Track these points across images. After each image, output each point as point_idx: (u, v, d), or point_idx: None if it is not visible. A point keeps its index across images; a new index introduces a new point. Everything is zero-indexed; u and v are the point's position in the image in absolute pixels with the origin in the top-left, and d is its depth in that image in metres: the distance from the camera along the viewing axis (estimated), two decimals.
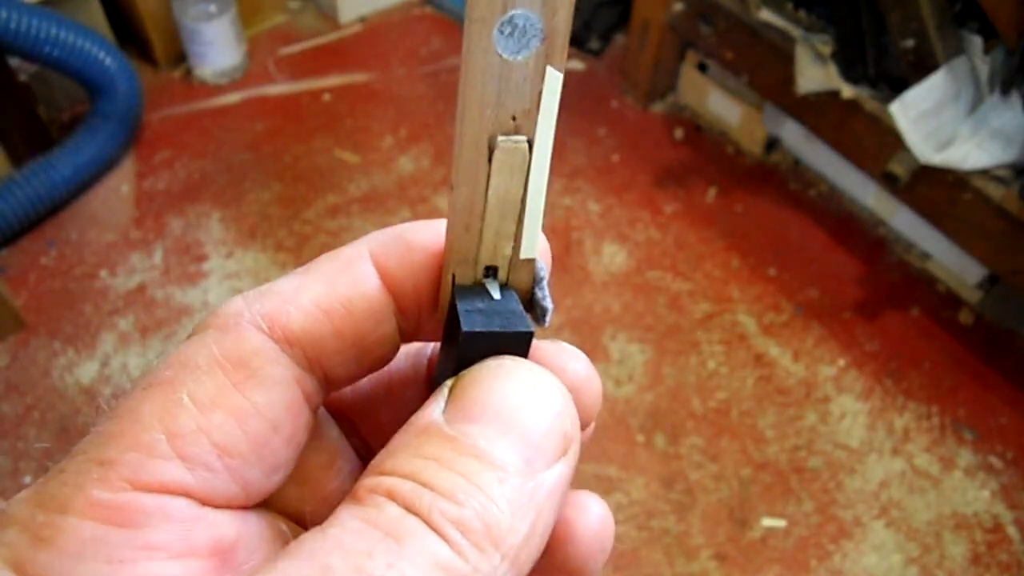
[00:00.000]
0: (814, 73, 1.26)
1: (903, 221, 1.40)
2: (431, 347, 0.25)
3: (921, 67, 1.15)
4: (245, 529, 0.19)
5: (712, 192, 1.48)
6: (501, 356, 0.20)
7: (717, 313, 1.31)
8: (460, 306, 0.21)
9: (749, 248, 1.40)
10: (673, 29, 1.49)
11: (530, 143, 0.20)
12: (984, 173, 1.13)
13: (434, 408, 0.19)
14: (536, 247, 0.21)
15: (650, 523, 1.09)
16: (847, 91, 1.23)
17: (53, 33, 1.28)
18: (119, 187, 1.44)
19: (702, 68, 1.55)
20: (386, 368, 0.23)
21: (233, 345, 0.19)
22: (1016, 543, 1.10)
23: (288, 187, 1.45)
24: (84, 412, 1.16)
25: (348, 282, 0.21)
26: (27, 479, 1.09)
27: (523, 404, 0.19)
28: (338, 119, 1.56)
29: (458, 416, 0.19)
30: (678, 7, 1.45)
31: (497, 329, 0.20)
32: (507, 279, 0.22)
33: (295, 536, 0.21)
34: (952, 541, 1.10)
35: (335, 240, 1.37)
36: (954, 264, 1.34)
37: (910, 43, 1.15)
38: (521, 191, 0.20)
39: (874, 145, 1.22)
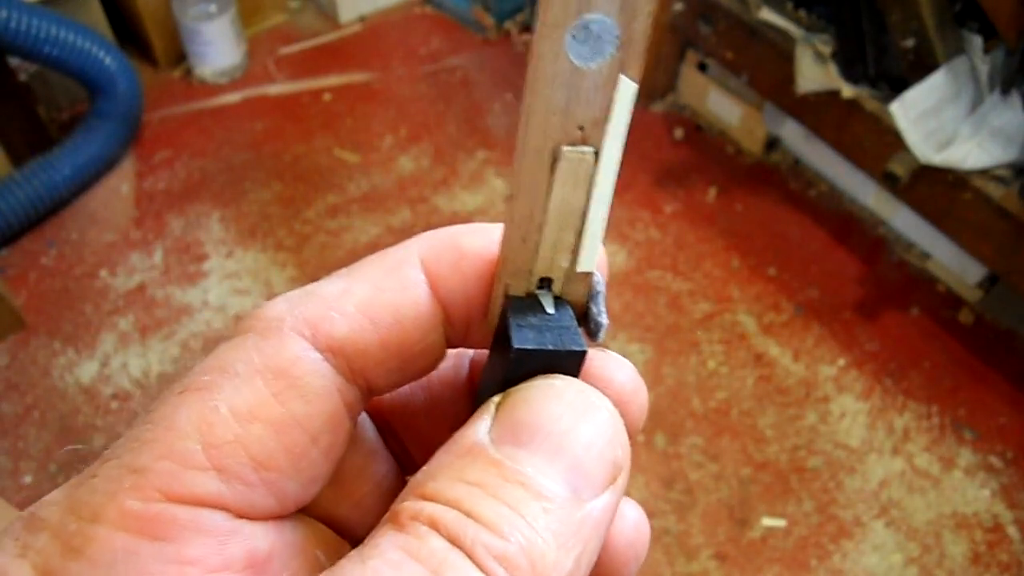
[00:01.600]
0: (814, 73, 1.26)
1: (903, 221, 1.40)
2: (474, 350, 0.24)
3: (921, 67, 1.15)
4: (279, 540, 0.19)
5: (712, 192, 1.48)
6: (552, 375, 0.19)
7: (717, 313, 1.31)
8: (512, 320, 0.20)
9: (749, 248, 1.40)
10: (673, 29, 1.49)
11: (596, 154, 0.19)
12: (984, 173, 1.13)
13: (480, 426, 0.18)
14: (595, 260, 0.21)
15: (650, 523, 1.09)
16: (847, 91, 1.23)
17: (53, 33, 1.28)
18: (119, 187, 1.44)
19: (702, 68, 1.55)
20: (429, 385, 0.23)
21: (274, 352, 0.18)
22: (1016, 543, 1.10)
23: (288, 187, 1.45)
24: (84, 412, 1.16)
25: (396, 288, 0.20)
26: (27, 479, 1.09)
27: (573, 429, 0.18)
28: (338, 119, 1.56)
29: (505, 438, 0.18)
30: (678, 7, 1.45)
31: (549, 347, 0.19)
32: (562, 291, 0.21)
33: (328, 542, 0.20)
34: (952, 541, 1.10)
35: (335, 240, 1.37)
36: (954, 264, 1.34)
37: (910, 43, 1.15)
38: (583, 202, 0.19)
39: (874, 145, 1.22)
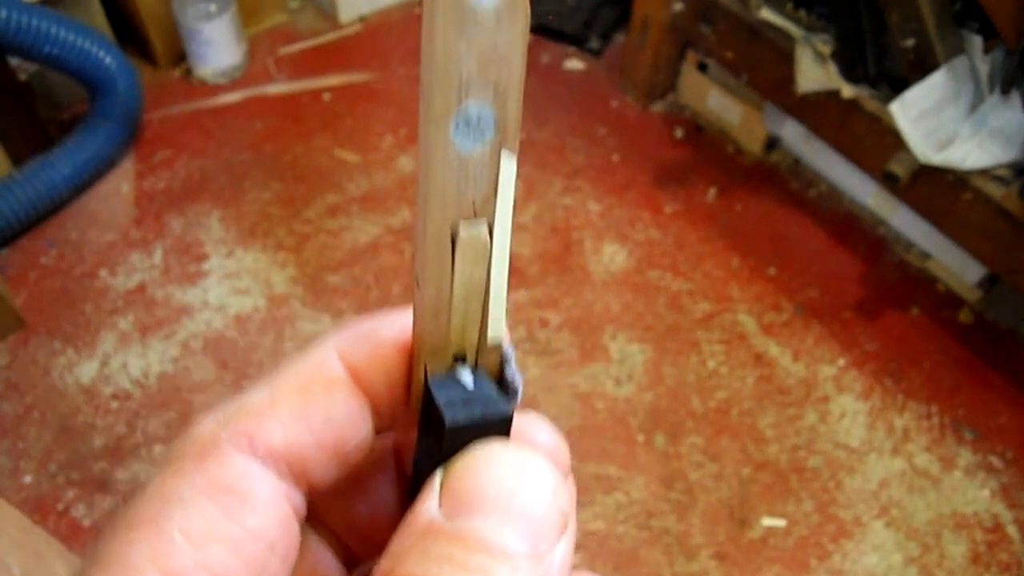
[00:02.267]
0: (814, 73, 1.26)
1: (903, 221, 1.40)
2: (392, 439, 0.25)
3: (921, 67, 1.15)
4: None
5: (712, 192, 1.48)
6: (486, 441, 0.20)
7: (717, 313, 1.31)
8: (438, 399, 0.20)
9: (749, 248, 1.40)
10: (673, 29, 1.49)
11: (490, 228, 0.20)
12: (984, 173, 1.13)
13: (429, 504, 0.19)
14: (503, 329, 0.21)
15: (650, 523, 1.09)
16: (847, 91, 1.23)
17: (53, 32, 1.28)
18: (119, 186, 1.44)
19: (702, 68, 1.55)
20: (357, 472, 0.23)
21: (216, 471, 0.18)
22: (1016, 543, 1.10)
23: (288, 186, 1.45)
24: (84, 412, 1.16)
25: (322, 390, 0.20)
26: (27, 479, 1.09)
27: (519, 487, 0.18)
28: (338, 118, 1.56)
29: (457, 510, 0.18)
30: (678, 7, 1.45)
31: (479, 417, 0.20)
32: (476, 363, 0.22)
33: None
34: (952, 541, 1.10)
35: (335, 239, 1.37)
36: (954, 264, 1.34)
37: (910, 43, 1.15)
38: (484, 276, 0.20)
39: (874, 145, 1.22)
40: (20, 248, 1.33)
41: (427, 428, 0.21)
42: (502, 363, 0.22)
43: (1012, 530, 1.11)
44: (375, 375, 0.21)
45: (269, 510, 0.19)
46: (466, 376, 0.22)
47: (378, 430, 0.22)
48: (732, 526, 1.10)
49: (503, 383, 0.22)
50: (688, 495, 1.12)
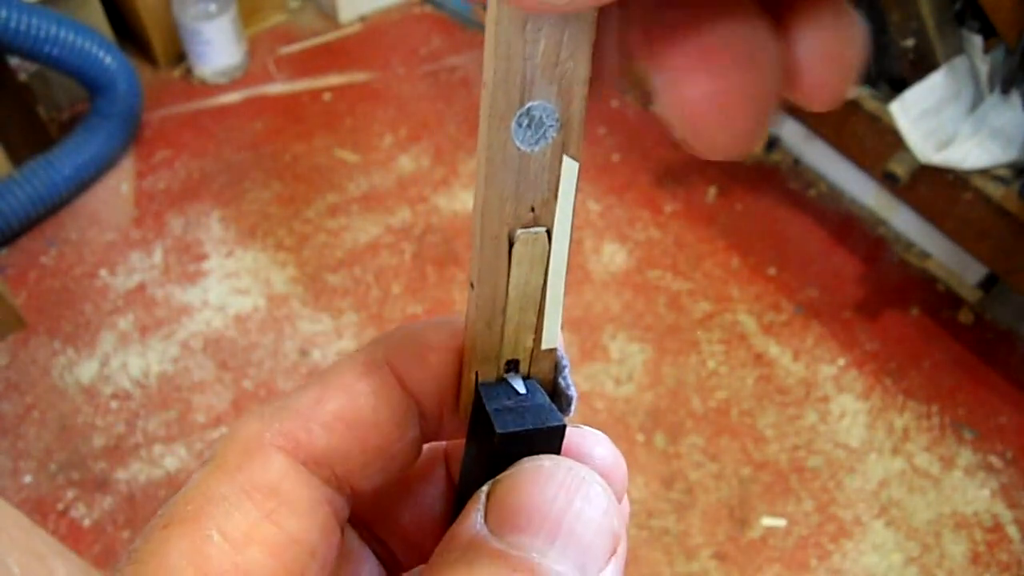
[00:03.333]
0: None
1: (903, 221, 1.40)
2: (446, 446, 0.24)
3: (921, 66, 1.14)
4: None
5: (712, 191, 1.48)
6: (537, 456, 0.19)
7: (717, 312, 1.31)
8: (489, 406, 0.20)
9: (749, 248, 1.40)
10: None
11: (549, 233, 0.19)
12: (984, 172, 1.13)
13: (475, 517, 0.18)
14: (557, 336, 0.21)
15: (650, 522, 1.09)
16: None
17: (53, 32, 1.28)
18: (119, 186, 1.44)
19: None
20: (406, 480, 0.23)
21: (259, 472, 0.18)
22: (1016, 543, 1.10)
23: (288, 186, 1.45)
24: (84, 411, 1.16)
25: (368, 391, 0.20)
26: (27, 479, 1.09)
27: (569, 507, 0.18)
28: (338, 118, 1.56)
29: (503, 526, 0.18)
30: None
31: (530, 427, 0.20)
32: (529, 371, 0.21)
33: None
34: (952, 540, 1.10)
35: (335, 239, 1.37)
36: (954, 264, 1.34)
37: (910, 42, 1.15)
38: (541, 281, 0.20)
39: (874, 144, 1.22)
40: (20, 248, 1.33)
41: (476, 436, 0.21)
42: (555, 372, 0.22)
43: (1012, 530, 1.11)
44: (422, 380, 0.21)
45: (310, 514, 0.19)
46: (518, 383, 0.21)
47: (426, 437, 0.22)
48: (732, 526, 1.10)
49: (556, 392, 0.22)
50: (688, 495, 1.12)
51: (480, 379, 0.21)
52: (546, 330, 0.21)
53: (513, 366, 0.21)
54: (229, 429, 0.19)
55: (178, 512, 0.17)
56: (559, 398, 0.22)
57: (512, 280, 0.20)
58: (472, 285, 0.20)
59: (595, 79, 0.18)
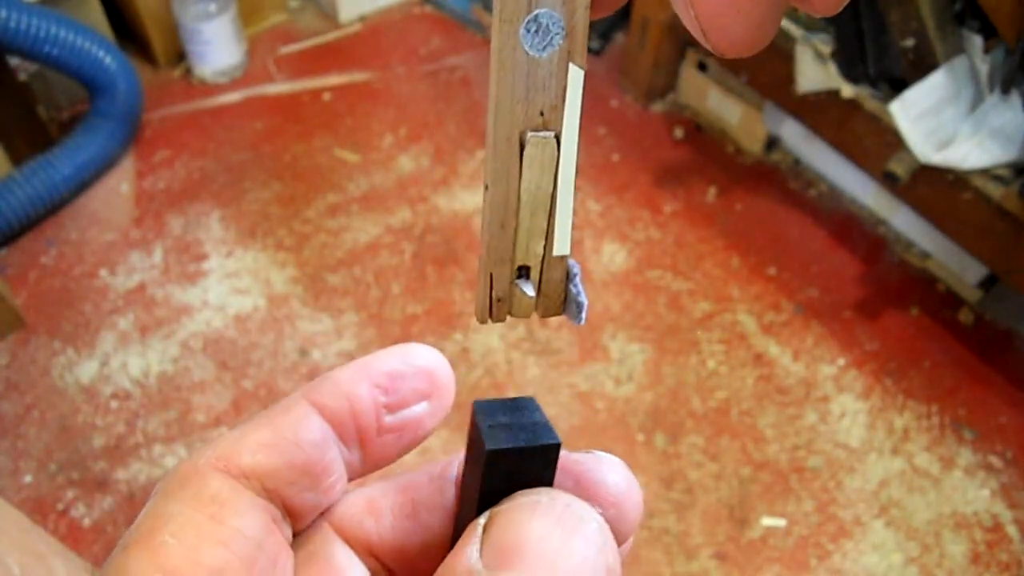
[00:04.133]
0: (814, 72, 1.26)
1: (903, 220, 1.40)
2: (455, 469, 0.25)
3: (921, 66, 1.15)
4: None
5: (712, 191, 1.48)
6: (536, 490, 0.20)
7: (717, 312, 1.31)
8: (482, 423, 0.20)
9: (749, 247, 1.40)
10: (673, 28, 1.49)
11: (557, 138, 0.20)
12: (984, 172, 1.13)
13: (470, 551, 0.18)
14: (568, 243, 0.22)
15: (650, 522, 1.09)
16: (847, 90, 1.23)
17: (53, 32, 1.28)
18: (119, 186, 1.44)
19: (702, 67, 1.55)
20: (411, 497, 0.23)
21: (198, 487, 0.20)
22: (1016, 542, 1.10)
23: (288, 186, 1.45)
24: (84, 411, 1.16)
25: (289, 420, 0.22)
26: (27, 478, 1.09)
27: (564, 546, 0.18)
28: (338, 118, 1.56)
29: (498, 562, 0.18)
30: None
31: (524, 444, 0.20)
32: (541, 278, 0.22)
33: None
34: (952, 540, 1.10)
35: (335, 239, 1.37)
36: (954, 263, 1.34)
37: (910, 42, 1.15)
38: (551, 187, 0.21)
39: (874, 144, 1.22)
40: (20, 248, 1.33)
41: (472, 455, 0.21)
42: (567, 279, 0.22)
43: (1012, 530, 1.11)
44: (335, 405, 0.22)
45: (251, 512, 0.20)
46: (528, 289, 0.22)
47: (351, 468, 0.23)
48: (732, 526, 1.10)
49: (567, 300, 0.22)
50: (688, 495, 1.12)
51: (494, 283, 0.22)
52: (557, 237, 0.21)
53: (525, 272, 0.22)
54: (167, 473, 0.21)
55: (133, 535, 0.19)
56: (569, 304, 0.22)
57: (524, 183, 0.21)
58: (486, 187, 0.21)
59: None
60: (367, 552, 0.24)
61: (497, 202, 0.21)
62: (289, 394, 0.23)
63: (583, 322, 0.22)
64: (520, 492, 0.19)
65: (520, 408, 0.21)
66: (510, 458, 0.20)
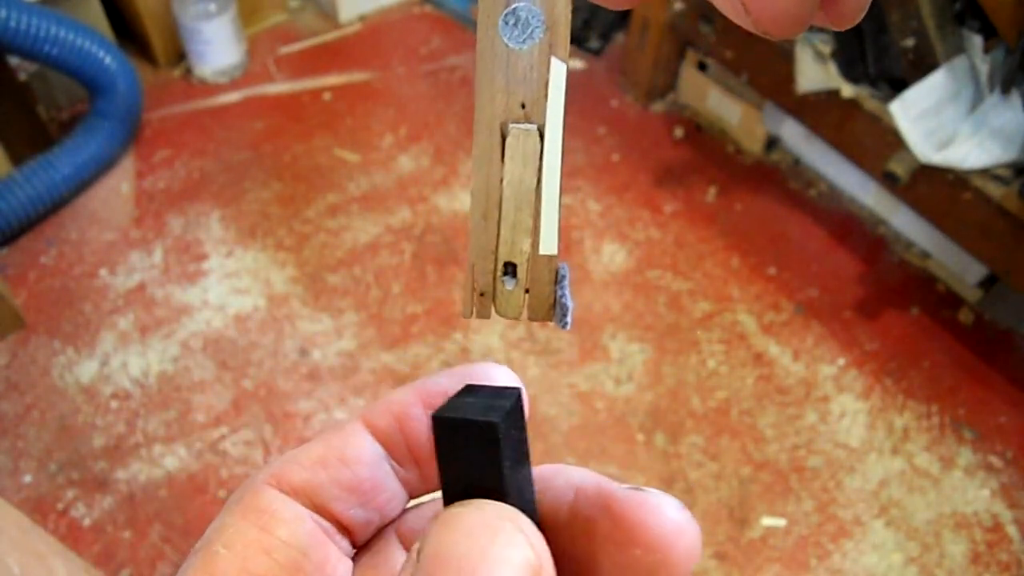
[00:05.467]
0: (814, 72, 1.26)
1: (903, 220, 1.40)
2: None
3: (921, 66, 1.15)
4: None
5: (712, 191, 1.48)
6: (463, 502, 0.19)
7: (717, 312, 1.31)
8: (452, 397, 0.21)
9: (749, 247, 1.40)
10: (673, 28, 1.49)
11: (541, 132, 0.20)
12: (984, 172, 1.13)
13: (407, 568, 0.18)
14: (555, 243, 0.21)
15: None
16: (847, 90, 1.23)
17: (53, 32, 1.28)
18: (119, 186, 1.44)
19: (702, 67, 1.55)
20: None
21: (251, 500, 0.22)
22: (1016, 542, 1.10)
23: (288, 186, 1.45)
24: (84, 411, 1.16)
25: (340, 439, 0.23)
26: (27, 478, 1.09)
27: (483, 556, 0.17)
28: (338, 118, 1.56)
29: (419, 573, 0.18)
30: (678, 6, 1.45)
31: (467, 417, 0.19)
32: (527, 276, 0.22)
33: None
34: (952, 540, 1.10)
35: (335, 239, 1.37)
36: (954, 263, 1.34)
37: (910, 42, 1.15)
38: (535, 182, 0.21)
39: (874, 144, 1.22)
40: (20, 248, 1.33)
41: None
42: (553, 280, 0.22)
43: (1012, 530, 1.11)
44: (387, 425, 0.23)
45: (295, 523, 0.22)
46: (510, 285, 0.22)
47: (410, 485, 0.24)
48: (732, 526, 1.10)
49: (553, 303, 0.22)
50: (688, 495, 1.12)
51: (476, 276, 0.22)
52: (543, 235, 0.21)
53: (511, 270, 0.22)
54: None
55: (197, 547, 0.22)
56: (556, 307, 0.22)
57: (507, 175, 0.21)
58: (472, 176, 0.21)
59: None
60: None
61: (479, 190, 0.21)
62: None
63: (568, 327, 0.21)
64: (451, 506, 0.19)
65: (499, 395, 0.21)
66: (453, 431, 0.19)
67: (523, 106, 0.20)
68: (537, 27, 0.19)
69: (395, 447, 0.24)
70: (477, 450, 0.19)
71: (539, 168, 0.21)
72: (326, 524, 0.23)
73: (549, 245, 0.21)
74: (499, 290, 0.22)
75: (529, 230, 0.21)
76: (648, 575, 0.19)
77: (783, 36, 0.17)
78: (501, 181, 0.21)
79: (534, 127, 0.20)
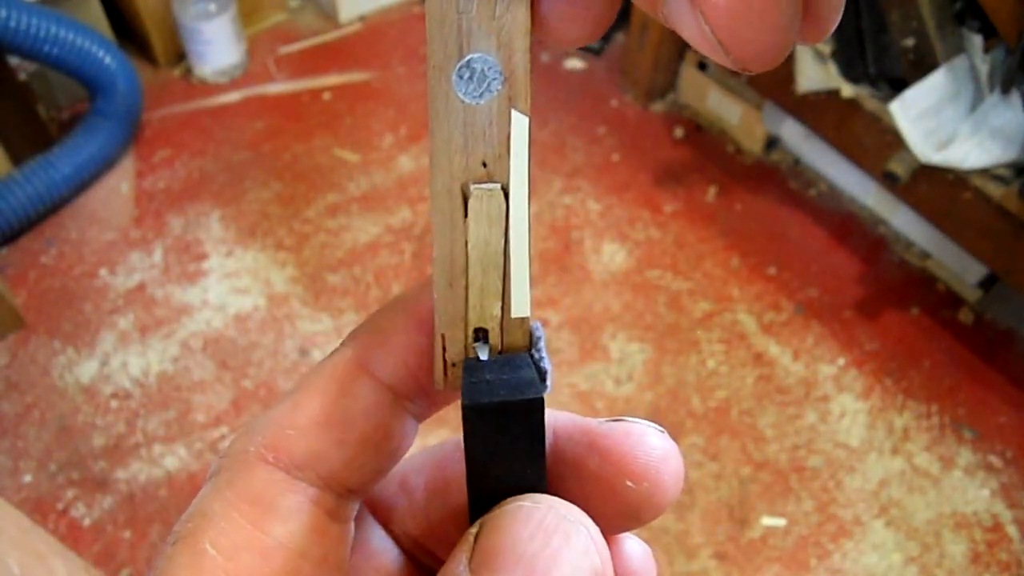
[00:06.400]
0: (814, 72, 1.26)
1: (903, 220, 1.40)
2: None
3: (921, 66, 1.15)
4: None
5: (712, 191, 1.48)
6: (521, 496, 0.19)
7: (717, 312, 1.31)
8: (466, 379, 0.19)
9: (749, 247, 1.40)
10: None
11: (505, 191, 0.19)
12: (984, 172, 1.13)
13: (461, 559, 0.18)
14: (528, 304, 0.20)
15: (650, 522, 1.09)
16: (847, 90, 1.23)
17: (53, 32, 1.28)
18: (119, 186, 1.44)
19: (702, 67, 1.55)
20: (443, 473, 0.23)
21: (244, 484, 0.19)
22: (1016, 542, 1.10)
23: (288, 186, 1.45)
24: (84, 411, 1.16)
25: (338, 390, 0.20)
26: (27, 478, 1.09)
27: (545, 548, 0.18)
28: (338, 118, 1.56)
29: (482, 568, 0.18)
30: None
31: (505, 399, 0.19)
32: (500, 341, 0.20)
33: None
34: (952, 540, 1.10)
35: (335, 239, 1.37)
36: (954, 263, 1.34)
37: (910, 42, 1.15)
38: (502, 243, 0.19)
39: (874, 144, 1.22)
40: (20, 248, 1.33)
41: (462, 415, 0.20)
42: (530, 345, 0.21)
43: (1012, 530, 1.11)
44: (389, 365, 0.21)
45: (296, 518, 0.19)
46: (484, 353, 0.20)
47: (419, 415, 0.22)
48: (732, 526, 1.10)
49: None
50: (688, 495, 1.12)
51: (447, 346, 0.20)
52: (514, 298, 0.20)
53: (482, 335, 0.20)
54: (224, 446, 0.20)
55: (182, 529, 0.19)
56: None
57: (471, 239, 0.19)
58: (432, 242, 0.20)
59: (539, 29, 0.18)
60: (400, 531, 0.23)
61: (442, 258, 0.19)
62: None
63: (549, 390, 0.20)
64: (508, 500, 0.19)
65: (510, 364, 0.20)
66: (489, 415, 0.19)
67: (484, 164, 0.19)
68: (495, 79, 0.18)
69: (403, 386, 0.21)
70: (518, 431, 0.19)
71: (506, 228, 0.19)
72: (330, 500, 0.20)
73: (521, 307, 0.20)
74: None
75: (499, 293, 0.20)
76: (639, 504, 0.20)
77: (764, 70, 0.16)
78: (466, 245, 0.19)
79: (497, 186, 0.19)
